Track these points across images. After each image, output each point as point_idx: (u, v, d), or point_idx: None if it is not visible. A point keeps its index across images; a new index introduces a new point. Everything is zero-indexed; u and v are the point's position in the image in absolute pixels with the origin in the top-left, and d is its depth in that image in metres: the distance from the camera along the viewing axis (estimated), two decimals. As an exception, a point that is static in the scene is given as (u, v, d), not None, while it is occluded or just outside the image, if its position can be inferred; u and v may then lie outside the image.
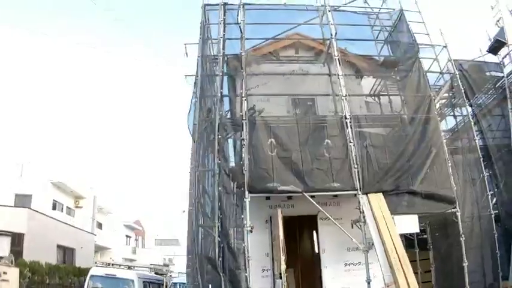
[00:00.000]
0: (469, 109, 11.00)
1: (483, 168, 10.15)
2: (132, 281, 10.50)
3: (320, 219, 9.78)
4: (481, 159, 10.14)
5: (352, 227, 9.07)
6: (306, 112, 10.37)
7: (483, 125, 11.04)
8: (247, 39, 9.76)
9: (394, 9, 11.02)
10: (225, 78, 10.20)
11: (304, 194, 8.20)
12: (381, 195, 8.38)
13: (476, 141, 10.44)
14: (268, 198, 9.25)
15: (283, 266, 8.14)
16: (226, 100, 10.56)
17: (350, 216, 9.27)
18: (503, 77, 11.46)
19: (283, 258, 8.23)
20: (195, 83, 10.23)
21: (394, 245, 7.72)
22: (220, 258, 7.54)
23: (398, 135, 9.11)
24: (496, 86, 11.64)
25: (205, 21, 10.53)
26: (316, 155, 8.45)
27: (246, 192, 7.95)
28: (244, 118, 8.61)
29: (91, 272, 10.78)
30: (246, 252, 7.54)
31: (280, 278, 8.14)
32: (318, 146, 8.58)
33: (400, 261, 7.54)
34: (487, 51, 11.79)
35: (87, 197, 25.35)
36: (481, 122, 11.05)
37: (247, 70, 9.45)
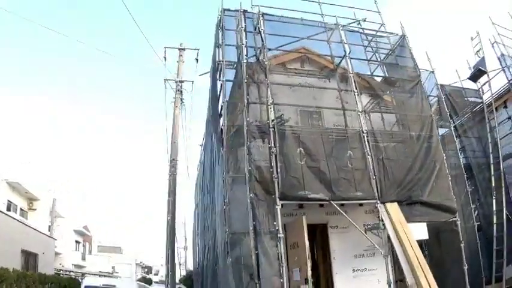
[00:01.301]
0: (453, 129, 12.16)
1: (467, 183, 11.29)
2: None
3: (330, 228, 10.21)
4: (465, 176, 11.28)
5: (366, 233, 9.65)
6: (314, 124, 10.79)
7: (465, 144, 12.22)
8: (269, 49, 9.96)
9: (396, 34, 11.84)
10: (230, 84, 10.31)
11: (332, 202, 8.53)
12: (396, 204, 8.98)
13: (460, 159, 11.63)
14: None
15: (309, 272, 8.41)
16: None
17: (357, 223, 9.82)
18: (481, 102, 12.81)
19: (309, 264, 8.49)
20: (217, 86, 10.17)
21: (413, 250, 8.34)
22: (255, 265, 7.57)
23: (407, 150, 9.79)
24: (474, 110, 12.96)
25: (221, 26, 10.55)
26: (341, 165, 8.83)
27: (277, 200, 8.10)
28: (271, 126, 8.79)
29: (85, 283, 10.00)
30: (280, 259, 7.67)
31: (306, 283, 8.38)
32: (342, 157, 8.98)
33: (420, 264, 8.15)
34: (468, 78, 13.11)
35: (41, 199, 23.47)
36: (464, 142, 12.23)
37: (259, 78, 9.64)
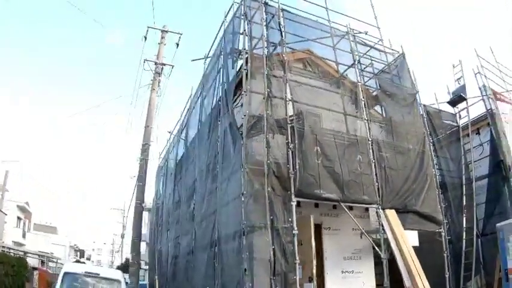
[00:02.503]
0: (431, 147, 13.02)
1: (441, 200, 12.10)
2: (119, 282, 8.95)
3: (323, 229, 10.42)
4: (440, 192, 12.13)
5: (361, 237, 10.05)
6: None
7: (441, 162, 13.15)
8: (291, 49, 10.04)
9: (397, 52, 12.44)
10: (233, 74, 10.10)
11: (341, 204, 8.74)
12: (394, 211, 9.44)
13: (437, 176, 12.48)
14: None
15: (314, 271, 8.55)
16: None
17: (347, 226, 10.21)
18: (456, 126, 13.88)
19: (314, 263, 8.62)
20: (230, 75, 9.92)
21: (410, 255, 8.82)
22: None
23: (405, 162, 10.31)
24: (449, 132, 13.98)
25: (242, 14, 10.33)
26: (351, 168, 9.09)
27: (293, 196, 8.13)
28: (289, 122, 8.82)
29: (65, 269, 8.96)
30: (294, 255, 7.68)
31: (310, 281, 8.48)
32: (352, 161, 9.24)
33: (416, 268, 8.65)
34: (447, 102, 14.11)
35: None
36: (440, 160, 13.15)
37: (271, 73, 9.62)
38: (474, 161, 12.97)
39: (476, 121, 13.80)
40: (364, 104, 10.42)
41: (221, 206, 9.16)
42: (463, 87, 13.77)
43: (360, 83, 10.68)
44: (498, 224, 10.28)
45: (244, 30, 9.76)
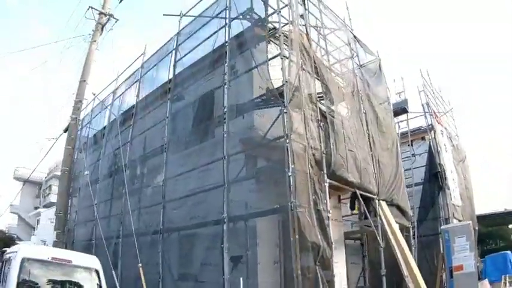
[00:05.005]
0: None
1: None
2: (97, 271, 6.64)
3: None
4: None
5: (352, 226, 10.05)
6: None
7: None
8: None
9: (372, 53, 12.94)
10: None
11: (357, 190, 8.55)
12: (385, 203, 9.72)
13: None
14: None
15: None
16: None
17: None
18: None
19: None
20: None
21: (403, 245, 9.19)
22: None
23: (388, 159, 10.75)
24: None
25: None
26: (363, 156, 9.01)
27: (325, 176, 7.61)
28: (318, 100, 8.30)
29: (23, 254, 6.02)
30: (331, 239, 7.16)
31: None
32: (362, 149, 9.17)
33: (410, 257, 9.07)
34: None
35: None
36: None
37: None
38: (407, 170, 14.29)
39: (412, 134, 15.34)
40: (361, 97, 10.52)
41: (232, 182, 7.93)
42: (406, 101, 15.21)
43: (357, 76, 10.74)
44: (443, 227, 11.51)
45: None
